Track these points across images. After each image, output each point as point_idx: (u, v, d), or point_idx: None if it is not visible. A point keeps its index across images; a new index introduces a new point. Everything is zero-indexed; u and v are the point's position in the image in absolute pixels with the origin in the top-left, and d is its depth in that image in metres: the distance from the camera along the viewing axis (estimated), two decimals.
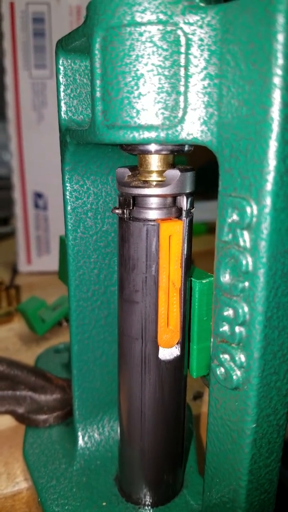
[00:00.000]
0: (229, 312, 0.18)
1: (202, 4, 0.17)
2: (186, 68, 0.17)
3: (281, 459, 0.27)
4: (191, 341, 0.23)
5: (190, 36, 0.17)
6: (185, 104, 0.17)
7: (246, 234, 0.16)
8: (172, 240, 0.21)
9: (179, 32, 0.17)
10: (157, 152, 0.20)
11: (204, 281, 0.22)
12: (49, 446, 0.29)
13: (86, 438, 0.28)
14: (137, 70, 0.17)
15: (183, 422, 0.24)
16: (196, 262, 0.64)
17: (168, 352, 0.22)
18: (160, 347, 0.22)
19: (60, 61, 0.22)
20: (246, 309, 0.17)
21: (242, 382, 0.18)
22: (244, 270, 0.17)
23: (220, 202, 0.17)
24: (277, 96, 0.15)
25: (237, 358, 0.18)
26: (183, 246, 0.21)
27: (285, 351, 0.18)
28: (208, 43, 0.17)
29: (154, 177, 0.21)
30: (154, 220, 0.20)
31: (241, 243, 0.17)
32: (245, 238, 0.16)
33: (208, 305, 0.22)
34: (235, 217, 0.17)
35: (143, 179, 0.21)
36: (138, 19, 0.17)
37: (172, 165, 0.21)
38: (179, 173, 0.20)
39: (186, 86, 0.17)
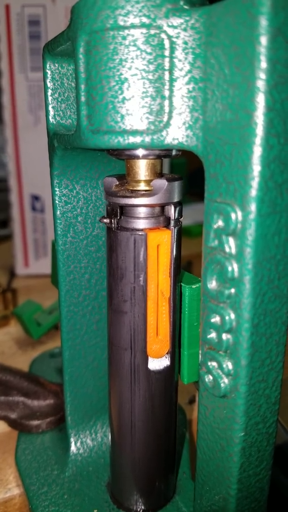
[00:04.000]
0: (216, 319, 0.18)
1: (186, 7, 0.16)
2: (171, 71, 0.17)
3: (282, 467, 0.27)
4: (182, 347, 0.23)
5: (174, 39, 0.16)
6: (170, 109, 0.17)
7: (231, 240, 0.16)
8: (160, 250, 0.20)
9: (163, 35, 0.16)
10: (144, 157, 0.19)
11: (194, 287, 0.22)
12: (42, 452, 0.29)
13: (78, 444, 0.28)
14: (121, 74, 0.17)
15: (174, 430, 0.24)
16: (195, 264, 0.64)
17: (158, 362, 0.22)
18: (149, 357, 0.21)
19: (47, 65, 0.22)
20: (232, 316, 0.17)
21: (230, 390, 0.18)
22: (230, 277, 0.16)
23: (206, 207, 0.17)
24: (261, 100, 0.14)
25: (224, 366, 0.18)
26: (171, 255, 0.21)
27: (274, 358, 0.18)
28: (192, 46, 0.16)
29: (142, 186, 0.20)
30: (142, 230, 0.20)
31: (227, 250, 0.16)
32: (231, 244, 0.16)
33: (198, 311, 0.22)
34: (220, 223, 0.16)
35: (131, 188, 0.21)
36: (121, 23, 0.16)
37: (160, 174, 0.21)
38: (166, 183, 0.19)
39: (171, 90, 0.17)
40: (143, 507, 0.24)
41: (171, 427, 0.24)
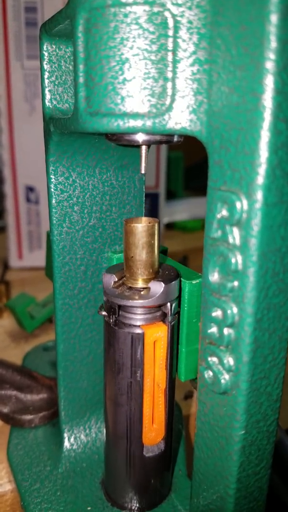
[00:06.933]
0: (217, 313, 0.17)
1: None
2: (174, 52, 0.16)
3: (281, 475, 0.26)
4: (180, 344, 0.22)
5: (178, 18, 0.16)
6: (173, 91, 0.16)
7: (235, 230, 0.15)
8: (156, 345, 0.21)
9: (167, 13, 0.16)
10: (144, 142, 0.19)
11: (194, 282, 0.21)
12: (34, 448, 0.28)
13: (72, 440, 0.28)
14: (122, 54, 0.16)
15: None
16: (191, 259, 0.63)
17: (153, 448, 0.22)
18: (144, 444, 0.22)
19: (44, 47, 0.21)
20: (235, 310, 0.16)
21: (231, 386, 0.17)
22: (233, 269, 0.16)
23: (209, 196, 0.16)
24: (269, 82, 0.14)
25: (225, 361, 0.17)
26: (167, 349, 0.21)
27: (276, 354, 0.17)
28: (198, 26, 0.16)
29: (140, 284, 0.21)
30: (139, 326, 0.20)
31: (231, 240, 0.16)
32: (235, 235, 0.15)
33: (198, 307, 0.21)
34: (224, 212, 0.16)
35: (129, 284, 0.21)
36: None
37: (157, 273, 0.21)
38: (163, 286, 0.20)
39: (174, 72, 0.16)
40: (137, 505, 0.24)
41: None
